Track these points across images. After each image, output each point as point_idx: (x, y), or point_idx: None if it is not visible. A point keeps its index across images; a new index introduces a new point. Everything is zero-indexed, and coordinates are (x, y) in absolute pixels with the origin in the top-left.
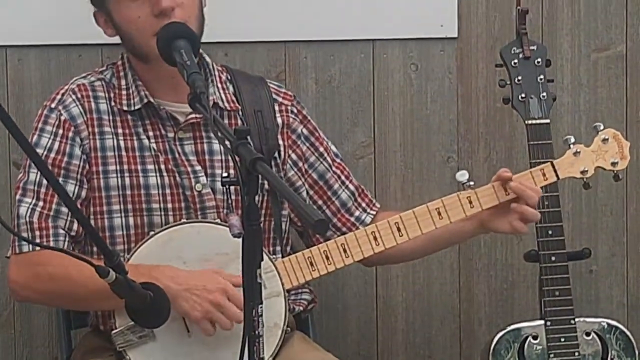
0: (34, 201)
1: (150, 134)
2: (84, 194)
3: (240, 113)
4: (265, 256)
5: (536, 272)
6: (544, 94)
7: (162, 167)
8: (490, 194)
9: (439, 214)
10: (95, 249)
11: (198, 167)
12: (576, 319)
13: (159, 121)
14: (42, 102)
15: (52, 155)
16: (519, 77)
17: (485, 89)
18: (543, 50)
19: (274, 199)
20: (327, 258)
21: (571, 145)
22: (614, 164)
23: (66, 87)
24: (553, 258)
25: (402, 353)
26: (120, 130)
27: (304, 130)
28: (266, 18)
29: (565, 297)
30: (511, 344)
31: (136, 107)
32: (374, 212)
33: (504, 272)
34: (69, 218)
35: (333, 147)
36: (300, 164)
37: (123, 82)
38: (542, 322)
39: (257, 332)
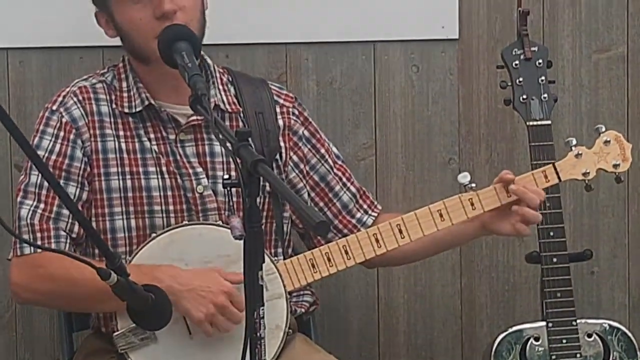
0: (35, 203)
1: (152, 136)
2: (85, 196)
3: (242, 115)
4: (266, 258)
5: (538, 274)
6: (545, 95)
7: (164, 169)
8: (492, 196)
9: (441, 215)
10: (96, 251)
11: (199, 169)
12: (578, 321)
13: (160, 123)
14: (43, 104)
15: (54, 157)
16: (520, 79)
17: (487, 90)
18: (544, 51)
19: (275, 200)
20: (329, 260)
21: (573, 147)
22: (615, 165)
23: (67, 90)
24: (554, 259)
25: (404, 355)
26: (121, 133)
27: (306, 132)
28: (267, 20)
29: (566, 299)
30: (513, 345)
31: (137, 110)
32: (376, 214)
33: (506, 273)
34: (70, 220)
35: (334, 149)
36: (302, 166)
37: (124, 84)
38: (543, 323)
39: (258, 334)
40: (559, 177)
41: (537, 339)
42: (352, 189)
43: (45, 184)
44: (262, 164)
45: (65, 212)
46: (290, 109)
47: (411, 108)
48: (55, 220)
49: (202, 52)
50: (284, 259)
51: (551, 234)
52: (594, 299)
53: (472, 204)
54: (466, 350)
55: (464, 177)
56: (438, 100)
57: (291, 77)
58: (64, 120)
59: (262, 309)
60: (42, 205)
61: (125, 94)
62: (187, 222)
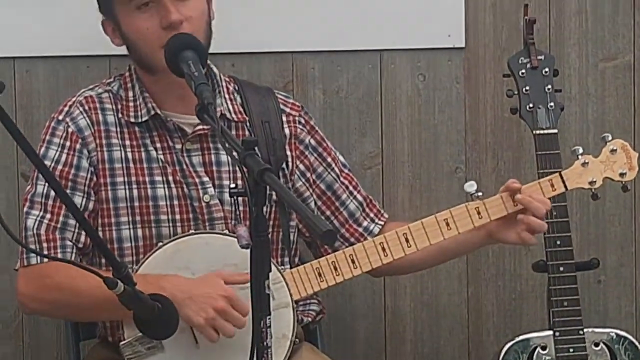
0: (41, 213)
1: (158, 145)
2: (91, 206)
3: (248, 124)
4: (273, 267)
5: (544, 283)
6: (552, 103)
7: (170, 178)
8: (498, 205)
9: (447, 224)
10: (103, 260)
11: (206, 178)
12: (585, 330)
13: (166, 133)
14: (50, 113)
15: (60, 167)
16: (527, 87)
17: (493, 99)
18: (551, 60)
19: (282, 209)
20: (336, 269)
21: (579, 156)
22: (622, 174)
23: (73, 99)
24: (561, 268)
25: None
26: (127, 142)
27: (312, 141)
28: (273, 29)
29: (573, 308)
30: (519, 354)
31: (143, 119)
32: (382, 223)
33: (512, 282)
34: (76, 230)
35: (341, 158)
36: (308, 175)
37: (130, 93)
38: (550, 332)
39: (265, 343)
40: (565, 186)
41: (544, 348)
42: (359, 197)
43: (52, 194)
44: (268, 173)
45: (72, 222)
46: (297, 118)
47: (417, 117)
48: (61, 231)
49: (208, 61)
50: (291, 267)
51: (558, 242)
52: (601, 307)
53: (478, 213)
54: (473, 359)
55: (471, 186)
56: (444, 109)
57: (297, 86)
58: (70, 130)
59: (269, 318)
60: (48, 216)
61: (131, 104)
62: (193, 231)
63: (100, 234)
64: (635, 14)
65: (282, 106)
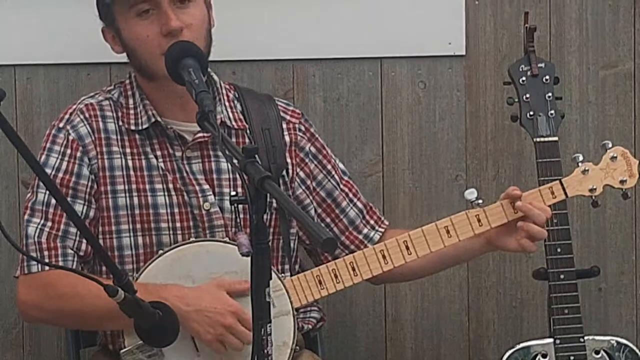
0: (42, 221)
1: (158, 153)
2: (92, 213)
3: (248, 131)
4: (274, 275)
5: (545, 290)
6: (552, 111)
7: (170, 186)
8: (498, 212)
9: (448, 232)
10: (104, 268)
11: (206, 186)
12: (585, 337)
13: (166, 140)
14: (50, 121)
15: (60, 175)
16: (527, 95)
17: (494, 106)
18: (551, 67)
19: (282, 217)
20: (336, 277)
21: (580, 163)
22: (622, 181)
23: (74, 107)
24: (562, 276)
25: None
26: (128, 150)
27: (312, 148)
28: (274, 36)
29: (574, 315)
30: None
31: (144, 127)
32: (382, 230)
33: (513, 290)
34: (77, 238)
35: (341, 165)
36: (308, 182)
37: (131, 101)
38: (551, 340)
39: (266, 351)
40: (565, 193)
41: (544, 356)
42: (359, 204)
43: (53, 201)
44: (269, 180)
45: (73, 230)
46: (297, 125)
47: (418, 124)
48: (62, 239)
49: (208, 69)
50: (291, 275)
51: (558, 250)
52: (602, 315)
53: (478, 220)
54: None
55: (471, 194)
56: (445, 117)
57: (298, 94)
58: (70, 137)
59: (269, 326)
60: (49, 224)
61: (131, 111)
62: (194, 239)
63: (101, 241)
64: (636, 22)
65: (282, 113)
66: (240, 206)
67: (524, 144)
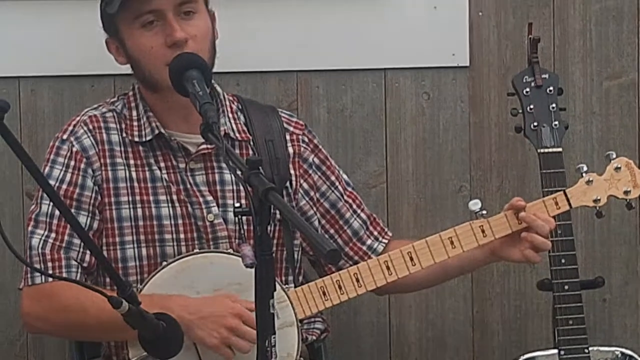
0: (46, 233)
1: (162, 165)
2: (96, 225)
3: (252, 143)
4: (278, 286)
5: (549, 301)
6: (556, 122)
7: (174, 197)
8: (502, 223)
9: (452, 243)
10: (108, 280)
11: (210, 198)
12: (590, 348)
13: (170, 152)
14: (54, 132)
15: (64, 186)
16: (531, 106)
17: (498, 117)
18: (555, 78)
19: (286, 228)
20: (340, 288)
21: (584, 174)
22: (626, 192)
23: (78, 119)
24: (566, 287)
25: None
26: (132, 162)
27: (316, 160)
28: (278, 47)
29: (578, 326)
30: None
31: (147, 139)
32: (386, 241)
33: (517, 300)
34: (81, 249)
35: (345, 176)
36: (312, 193)
37: (134, 113)
38: (555, 351)
39: None
40: (569, 204)
41: None
42: (363, 215)
43: (57, 213)
44: (272, 192)
45: (77, 241)
46: (300, 137)
47: (422, 135)
48: (66, 250)
49: (212, 81)
50: (295, 286)
51: (563, 261)
52: (606, 326)
53: (482, 231)
54: None
55: (475, 204)
56: (449, 128)
57: (302, 105)
58: (74, 149)
59: (274, 338)
60: (53, 235)
61: (135, 123)
62: (198, 251)
63: (105, 253)
64: None
65: (285, 125)
66: (244, 217)
67: (528, 154)
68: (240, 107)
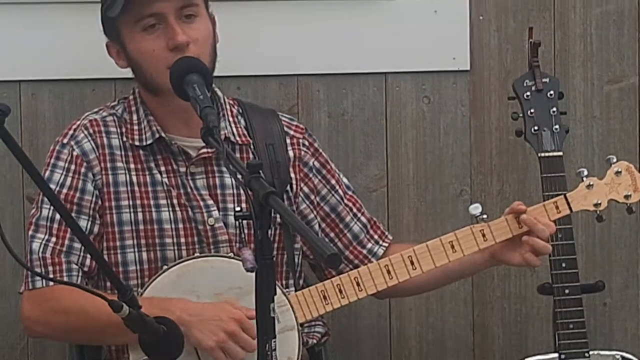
0: (46, 237)
1: (162, 169)
2: (96, 229)
3: (252, 147)
4: (278, 290)
5: (550, 305)
6: (557, 126)
7: (175, 201)
8: (503, 227)
9: (453, 247)
10: (108, 284)
11: (210, 202)
12: (590, 352)
13: (170, 156)
14: (55, 137)
15: (65, 190)
16: (532, 110)
17: (498, 121)
18: (555, 82)
19: (286, 232)
20: (341, 292)
21: (584, 178)
22: (627, 196)
23: (78, 123)
24: (567, 291)
25: None
26: (132, 166)
27: (316, 163)
28: (278, 51)
29: (579, 330)
30: None
31: (148, 142)
32: (386, 244)
33: (518, 304)
34: (81, 254)
35: (345, 180)
36: (312, 197)
37: (135, 117)
38: (556, 355)
39: None
40: (570, 208)
41: None
42: (363, 219)
43: (57, 217)
44: (273, 196)
45: (77, 245)
46: (301, 140)
47: (422, 139)
48: (67, 254)
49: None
50: (295, 290)
51: (563, 265)
52: (607, 330)
53: (483, 235)
54: None
55: (476, 209)
56: (449, 132)
57: (303, 109)
58: (74, 153)
59: (274, 342)
60: (53, 239)
61: (135, 127)
62: (198, 255)
63: (105, 257)
64: None
65: (286, 128)
66: (245, 221)
67: (528, 158)
68: (240, 110)
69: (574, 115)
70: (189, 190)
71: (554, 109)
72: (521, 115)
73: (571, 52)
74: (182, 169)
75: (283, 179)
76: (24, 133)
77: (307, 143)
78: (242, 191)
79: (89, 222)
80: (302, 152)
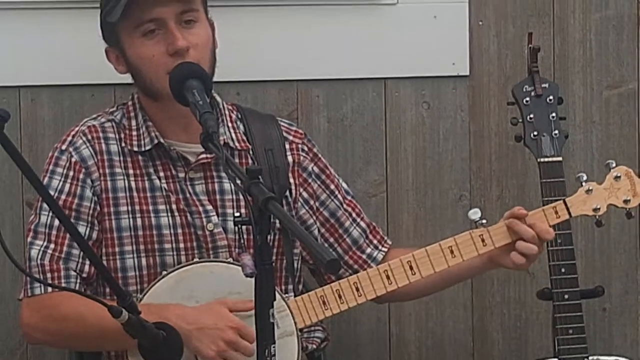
0: (45, 243)
1: (161, 174)
2: (95, 235)
3: (251, 152)
4: (277, 295)
5: (549, 310)
6: (556, 131)
7: (174, 207)
8: (502, 232)
9: (452, 252)
10: (107, 290)
11: (209, 207)
12: (590, 357)
13: (169, 162)
14: (54, 142)
15: (63, 197)
16: (531, 115)
17: (498, 127)
18: (555, 88)
19: (285, 237)
20: (340, 297)
21: (583, 183)
22: (626, 201)
23: (76, 129)
24: (566, 296)
25: None
26: (131, 171)
27: (315, 168)
28: (278, 57)
29: (578, 335)
30: None
31: (147, 148)
32: (386, 249)
33: (518, 310)
34: (80, 260)
35: (344, 185)
36: (312, 202)
37: (133, 122)
38: None
39: None
40: (569, 213)
41: None
42: (362, 224)
43: (56, 223)
44: (272, 201)
45: (76, 252)
46: (300, 145)
47: (422, 144)
48: (65, 261)
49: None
50: (295, 295)
51: (563, 270)
52: (606, 335)
53: (482, 240)
54: None
55: (475, 213)
56: (449, 137)
57: (302, 114)
58: (73, 159)
59: (274, 347)
60: (52, 246)
61: (134, 133)
62: (197, 260)
63: (105, 263)
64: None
65: (285, 134)
66: (244, 227)
67: (528, 164)
68: (239, 116)
69: (574, 121)
70: (188, 195)
71: (554, 114)
72: (520, 120)
73: (570, 57)
74: (181, 175)
75: (282, 185)
76: (23, 139)
77: (306, 148)
78: (241, 196)
79: (88, 228)
80: (301, 158)
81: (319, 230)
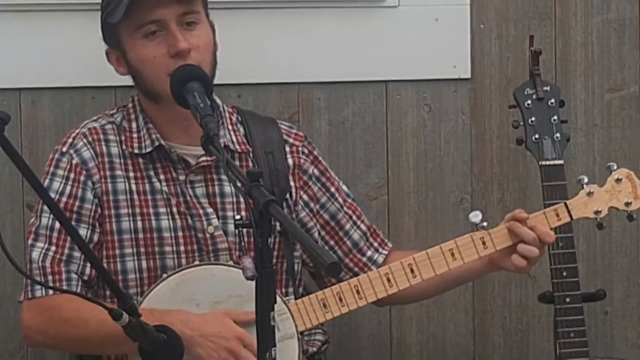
0: (46, 246)
1: (162, 177)
2: (96, 237)
3: (251, 155)
4: (278, 298)
5: (551, 314)
6: (558, 134)
7: (174, 210)
8: (503, 235)
9: (453, 255)
10: (108, 292)
11: (210, 210)
12: None
13: (170, 164)
14: (55, 144)
15: (64, 199)
16: (533, 118)
17: (499, 129)
18: (556, 91)
19: (286, 240)
20: (341, 300)
21: (584, 185)
22: (627, 204)
23: (77, 131)
24: (568, 299)
25: None
26: (131, 174)
27: (315, 171)
28: (279, 59)
29: (580, 339)
30: None
31: (147, 150)
32: (386, 252)
33: (519, 313)
34: (81, 262)
35: (345, 187)
36: (312, 205)
37: (134, 124)
38: None
39: None
40: (570, 216)
41: None
42: (363, 227)
43: (57, 226)
44: (273, 204)
45: (77, 254)
46: (300, 148)
47: (423, 147)
48: (66, 263)
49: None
50: (295, 298)
51: (564, 273)
52: (607, 338)
53: (483, 243)
54: None
55: (476, 216)
56: (450, 140)
57: (303, 117)
58: (74, 162)
59: (274, 350)
60: (53, 248)
61: (135, 135)
62: (198, 263)
63: (105, 265)
64: None
65: (285, 136)
66: (245, 229)
67: (529, 167)
68: (239, 118)
69: (575, 124)
70: (189, 198)
71: (555, 117)
72: (522, 123)
73: (572, 60)
74: (182, 177)
75: (282, 187)
76: (24, 141)
77: (306, 151)
78: (241, 199)
79: (89, 231)
80: (302, 160)
81: (319, 233)
